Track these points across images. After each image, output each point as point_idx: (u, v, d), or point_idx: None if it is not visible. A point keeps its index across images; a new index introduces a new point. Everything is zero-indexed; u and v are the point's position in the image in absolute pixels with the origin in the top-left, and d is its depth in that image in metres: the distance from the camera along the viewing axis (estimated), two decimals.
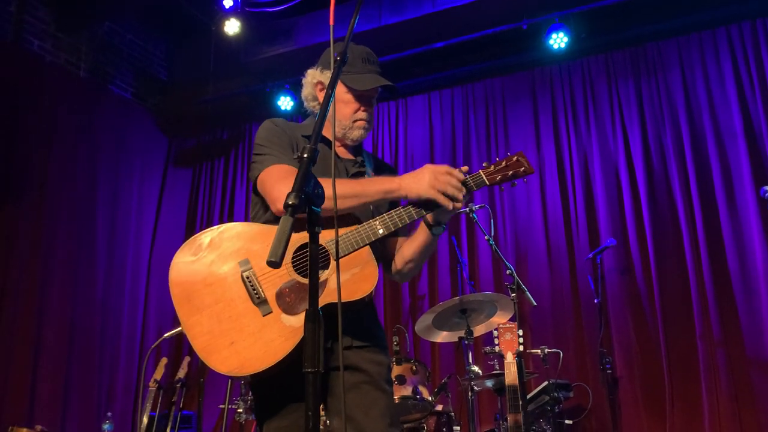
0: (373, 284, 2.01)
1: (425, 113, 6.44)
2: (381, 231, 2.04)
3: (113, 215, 6.37)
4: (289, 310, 1.96)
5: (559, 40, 5.60)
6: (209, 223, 6.94)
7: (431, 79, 6.43)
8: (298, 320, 1.93)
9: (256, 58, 6.60)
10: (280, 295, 1.97)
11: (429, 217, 2.14)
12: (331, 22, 1.60)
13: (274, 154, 2.12)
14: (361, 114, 2.22)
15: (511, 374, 3.34)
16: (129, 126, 6.74)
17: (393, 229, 2.06)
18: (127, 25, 6.87)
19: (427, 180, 2.03)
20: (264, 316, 1.95)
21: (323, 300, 1.92)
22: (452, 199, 2.05)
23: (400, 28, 5.94)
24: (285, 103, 6.55)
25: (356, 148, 2.33)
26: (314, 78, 2.31)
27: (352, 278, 2.00)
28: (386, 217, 2.06)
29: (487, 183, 2.13)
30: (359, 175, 2.25)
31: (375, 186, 2.05)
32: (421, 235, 2.21)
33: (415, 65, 6.36)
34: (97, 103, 6.41)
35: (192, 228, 7.00)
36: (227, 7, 6.14)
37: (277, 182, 2.04)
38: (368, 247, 2.04)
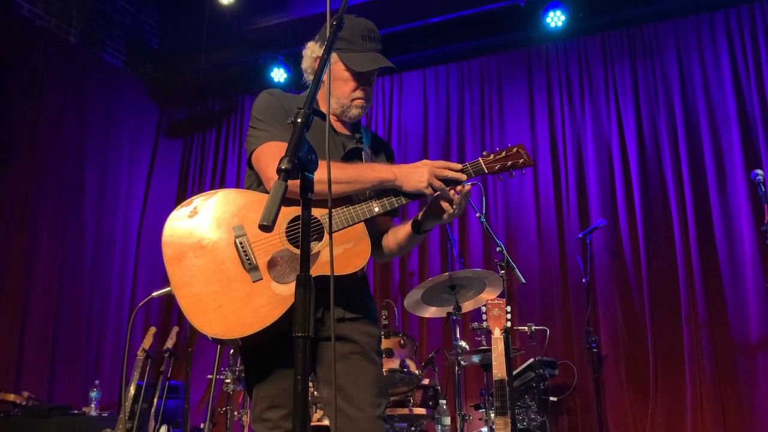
0: (364, 260, 2.02)
1: (419, 89, 6.40)
2: (377, 209, 2.06)
3: (103, 182, 6.33)
4: (280, 279, 1.96)
5: (556, 19, 5.56)
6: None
7: (426, 54, 6.38)
8: (287, 289, 1.94)
9: (250, 29, 6.52)
10: (271, 263, 1.97)
11: (421, 215, 2.18)
12: None
13: (270, 130, 2.10)
14: (359, 93, 2.21)
15: (498, 350, 3.36)
16: (120, 94, 6.66)
17: (389, 209, 2.07)
18: None
19: (425, 176, 2.04)
20: (254, 282, 1.96)
21: (314, 271, 1.92)
22: (447, 199, 2.09)
23: (397, 1, 5.87)
24: (278, 74, 6.49)
25: (354, 124, 2.32)
26: (314, 52, 2.27)
27: (344, 253, 2.01)
28: (384, 197, 2.08)
29: (486, 171, 2.15)
30: (356, 151, 2.24)
31: (371, 174, 2.06)
32: (404, 229, 2.25)
33: (410, 40, 6.30)
34: (88, 70, 6.33)
35: (182, 199, 6.81)
36: None
37: (272, 161, 2.02)
38: (362, 224, 2.05)
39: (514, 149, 2.19)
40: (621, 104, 5.58)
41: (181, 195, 7.01)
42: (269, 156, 2.05)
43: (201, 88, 7.16)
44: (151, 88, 7.14)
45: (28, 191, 5.60)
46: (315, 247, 1.98)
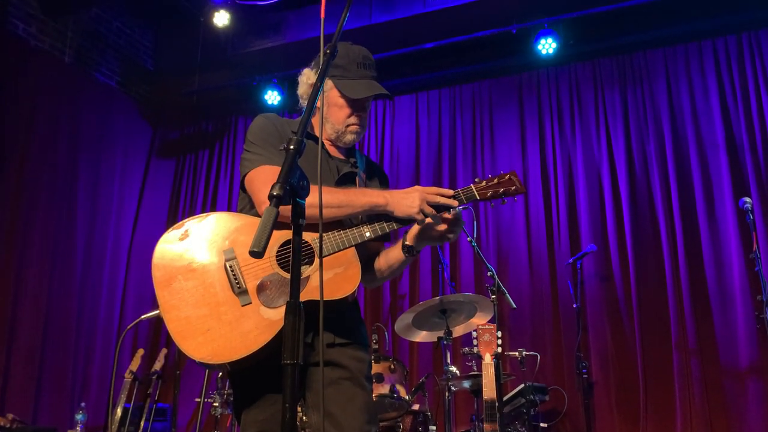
0: (354, 285, 2.01)
1: (412, 113, 6.45)
2: (368, 234, 2.05)
3: (94, 202, 6.31)
4: (269, 303, 1.95)
5: (547, 46, 5.63)
6: (191, 215, 6.89)
7: (419, 79, 6.44)
8: (276, 314, 1.93)
9: (245, 51, 6.57)
10: (261, 288, 1.97)
11: (410, 239, 2.17)
12: (323, 15, 1.60)
13: (264, 154, 2.12)
14: (354, 119, 2.22)
15: (488, 376, 3.35)
16: (113, 114, 6.68)
17: (380, 234, 2.07)
18: (114, 12, 6.80)
19: (417, 202, 2.04)
20: (243, 306, 1.95)
21: (304, 296, 1.92)
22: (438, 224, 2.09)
23: (390, 27, 5.94)
24: (272, 97, 6.52)
25: (349, 148, 2.33)
26: (309, 78, 2.29)
27: (334, 277, 2.00)
28: (375, 222, 2.08)
29: (478, 198, 2.14)
30: (350, 175, 2.25)
31: (362, 199, 2.06)
32: (395, 251, 2.24)
33: (403, 65, 6.36)
34: (82, 90, 6.34)
35: (174, 220, 6.94)
36: None
37: (265, 185, 2.03)
38: (353, 248, 2.04)
39: (507, 176, 2.17)
40: (611, 130, 5.63)
41: (172, 215, 7.00)
42: (262, 180, 2.06)
43: (194, 109, 7.19)
44: (144, 108, 7.16)
45: (19, 210, 5.58)
46: (305, 271, 1.98)
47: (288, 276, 1.91)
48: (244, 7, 6.24)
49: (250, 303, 1.95)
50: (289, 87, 6.45)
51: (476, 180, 2.18)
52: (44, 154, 5.85)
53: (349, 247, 2.03)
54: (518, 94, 6.07)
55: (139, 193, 6.91)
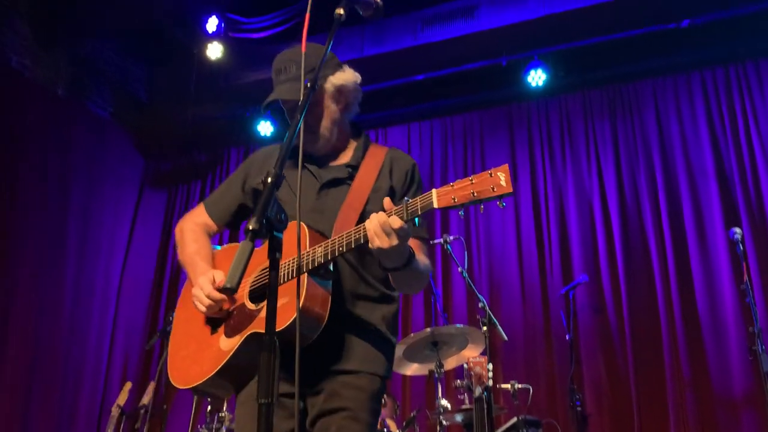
0: (288, 320, 1.77)
1: (404, 144, 6.47)
2: (321, 260, 1.83)
3: (84, 234, 6.27)
4: (230, 333, 1.95)
5: (537, 78, 5.68)
6: None
7: (411, 110, 6.49)
8: (228, 344, 1.92)
9: (238, 83, 6.60)
10: (228, 317, 1.99)
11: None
12: (303, 48, 1.60)
13: (215, 192, 2.30)
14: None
15: (479, 411, 3.30)
16: (105, 145, 6.68)
17: (336, 255, 1.82)
18: (108, 44, 6.84)
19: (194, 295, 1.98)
20: (211, 335, 1.99)
21: (252, 328, 1.87)
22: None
23: (382, 59, 5.99)
24: (265, 128, 6.55)
25: (353, 153, 2.21)
26: None
27: (280, 308, 1.75)
28: (333, 241, 1.84)
29: (436, 206, 1.68)
30: (334, 182, 2.11)
31: (189, 268, 2.11)
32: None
33: (395, 96, 6.40)
34: (74, 121, 6.35)
35: (165, 252, 6.89)
36: (210, 31, 6.16)
37: (183, 219, 2.26)
38: (304, 276, 1.83)
39: (487, 173, 1.62)
40: (602, 161, 5.66)
41: (164, 247, 6.95)
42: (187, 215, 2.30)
43: (187, 140, 7.20)
44: (137, 139, 7.17)
45: (8, 242, 5.53)
46: (260, 303, 1.89)
47: (251, 307, 1.91)
48: (237, 39, 6.29)
49: (217, 332, 1.98)
50: (281, 117, 6.47)
51: (453, 183, 1.70)
52: (34, 184, 5.83)
53: (295, 277, 1.84)
54: (509, 125, 6.11)
55: (130, 224, 6.88)
